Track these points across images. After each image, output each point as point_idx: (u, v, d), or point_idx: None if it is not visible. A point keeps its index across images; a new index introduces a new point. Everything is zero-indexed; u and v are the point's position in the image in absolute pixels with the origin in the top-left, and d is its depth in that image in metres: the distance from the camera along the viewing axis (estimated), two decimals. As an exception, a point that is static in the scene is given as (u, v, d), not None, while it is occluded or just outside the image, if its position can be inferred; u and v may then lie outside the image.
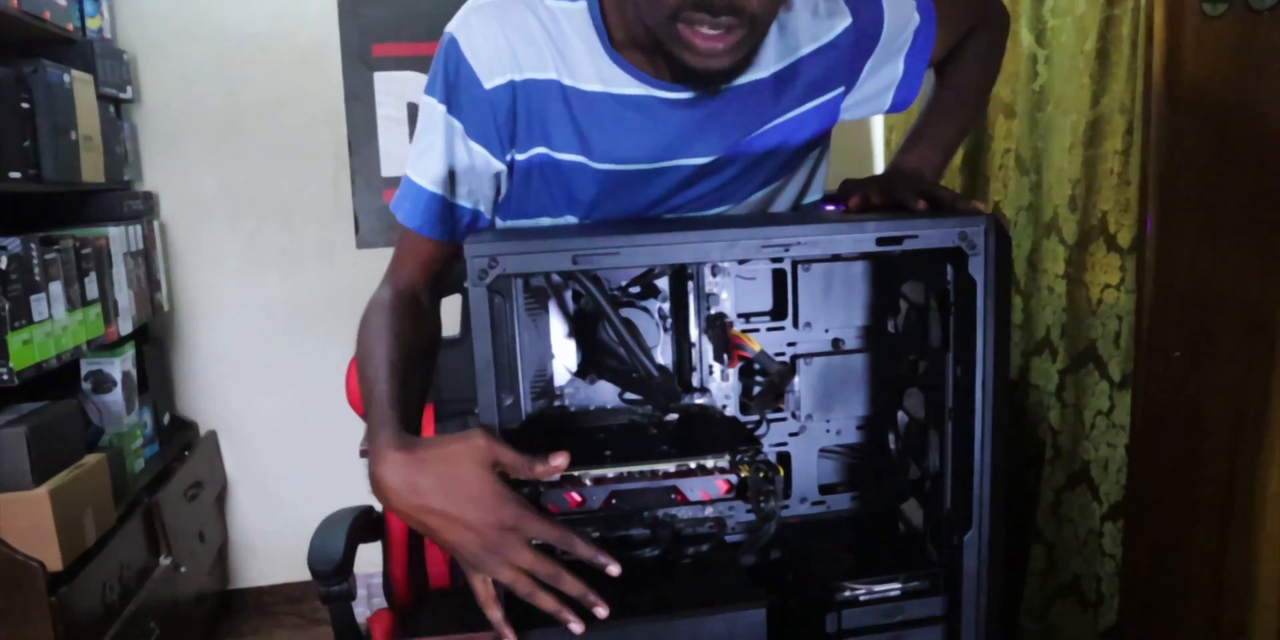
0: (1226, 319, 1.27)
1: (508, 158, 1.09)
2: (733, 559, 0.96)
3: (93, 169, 2.23)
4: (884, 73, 1.16)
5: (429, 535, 0.87)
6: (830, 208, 1.14)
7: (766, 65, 1.07)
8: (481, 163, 1.08)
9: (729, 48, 0.94)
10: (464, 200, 1.10)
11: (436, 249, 1.12)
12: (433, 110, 1.07)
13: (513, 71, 1.04)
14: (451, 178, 1.09)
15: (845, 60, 1.12)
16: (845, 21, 1.09)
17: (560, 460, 0.83)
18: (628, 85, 1.05)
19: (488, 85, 1.04)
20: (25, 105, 1.93)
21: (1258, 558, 1.20)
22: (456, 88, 1.05)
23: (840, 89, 1.14)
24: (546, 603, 0.83)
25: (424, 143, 1.09)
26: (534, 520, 0.84)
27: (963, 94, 1.23)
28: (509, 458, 0.83)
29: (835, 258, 1.01)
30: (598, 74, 1.05)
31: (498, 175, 1.10)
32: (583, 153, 1.08)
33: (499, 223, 1.16)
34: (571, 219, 1.13)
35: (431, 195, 1.09)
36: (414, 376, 1.03)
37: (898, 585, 0.92)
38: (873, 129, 2.92)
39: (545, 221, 1.14)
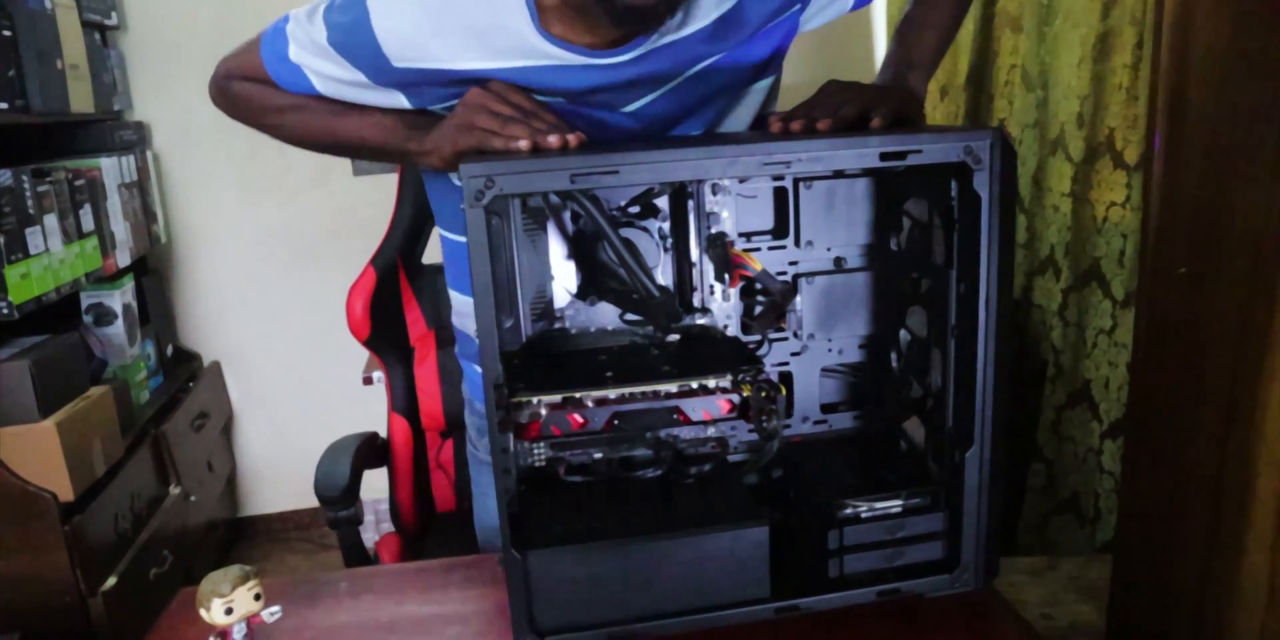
0: (1233, 236, 1.26)
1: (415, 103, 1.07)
2: (735, 478, 0.97)
3: (81, 99, 2.20)
4: None
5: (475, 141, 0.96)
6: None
7: (707, 13, 1.01)
8: (388, 99, 1.06)
9: None
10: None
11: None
12: (333, 58, 1.03)
13: (428, 61, 1.00)
14: (325, 88, 1.07)
15: None
16: None
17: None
18: (561, 59, 1.00)
19: (396, 64, 1.00)
20: (7, 32, 1.88)
21: (1256, 475, 1.21)
22: (362, 61, 1.01)
23: (795, 8, 1.09)
24: (541, 139, 0.90)
25: (322, 61, 1.04)
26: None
27: None
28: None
29: (838, 174, 0.99)
30: (529, 52, 1.00)
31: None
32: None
33: None
34: None
35: (310, 86, 1.07)
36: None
37: (899, 502, 0.92)
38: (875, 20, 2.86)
39: None
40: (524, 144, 0.90)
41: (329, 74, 1.05)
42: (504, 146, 0.91)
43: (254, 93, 1.11)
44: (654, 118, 1.09)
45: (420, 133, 1.04)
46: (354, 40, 1.00)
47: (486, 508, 1.31)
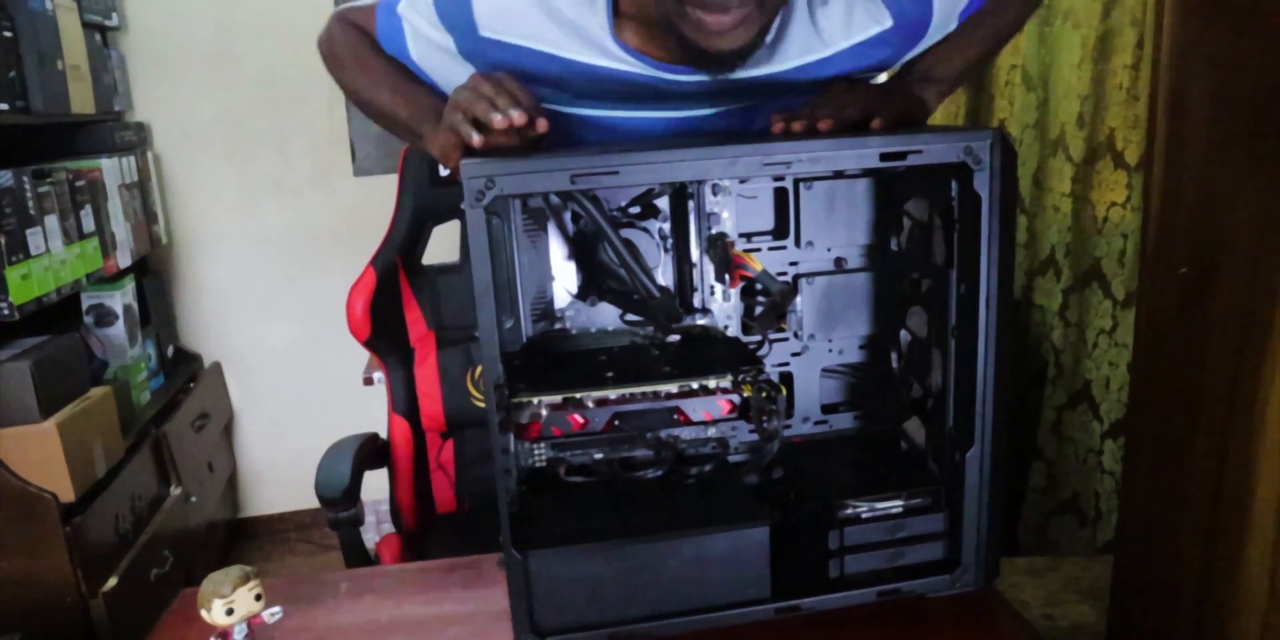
0: (1233, 236, 1.25)
1: None
2: (736, 478, 0.97)
3: (82, 100, 2.20)
4: (932, 40, 1.14)
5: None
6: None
7: (788, 58, 1.03)
8: (463, 75, 1.07)
9: (738, 22, 0.91)
10: (425, 71, 1.13)
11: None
12: (431, 19, 1.07)
13: (512, 35, 1.03)
14: (417, 53, 1.12)
15: (884, 54, 1.08)
16: (884, 25, 1.05)
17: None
18: (631, 66, 1.03)
19: (483, 34, 1.04)
20: (8, 34, 1.88)
21: (1257, 475, 1.21)
22: (455, 25, 1.06)
23: (878, 72, 1.12)
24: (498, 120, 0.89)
25: (422, 20, 1.09)
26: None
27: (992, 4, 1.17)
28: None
29: (838, 175, 0.99)
30: (602, 54, 1.03)
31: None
32: (574, 105, 1.09)
33: None
34: None
35: (404, 43, 1.12)
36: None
37: (899, 502, 0.92)
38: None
39: None
40: (496, 119, 0.89)
41: (424, 33, 1.09)
42: (464, 132, 0.91)
43: (349, 39, 1.16)
44: (721, 129, 1.11)
45: (427, 127, 1.05)
46: (453, 3, 1.04)
47: None
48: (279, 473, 2.90)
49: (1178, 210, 1.35)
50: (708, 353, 0.99)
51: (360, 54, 1.14)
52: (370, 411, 1.94)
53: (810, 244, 1.01)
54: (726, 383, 0.93)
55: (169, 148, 2.67)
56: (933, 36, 1.12)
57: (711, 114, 1.11)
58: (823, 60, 1.04)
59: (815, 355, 1.05)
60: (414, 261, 1.64)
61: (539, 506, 0.91)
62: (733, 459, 0.99)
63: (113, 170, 2.28)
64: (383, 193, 2.04)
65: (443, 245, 1.71)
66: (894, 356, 1.03)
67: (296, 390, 2.84)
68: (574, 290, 1.01)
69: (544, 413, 0.92)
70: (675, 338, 1.02)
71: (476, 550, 1.09)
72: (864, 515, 0.92)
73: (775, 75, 1.04)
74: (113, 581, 1.87)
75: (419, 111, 1.09)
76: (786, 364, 1.04)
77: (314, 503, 1.46)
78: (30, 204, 1.84)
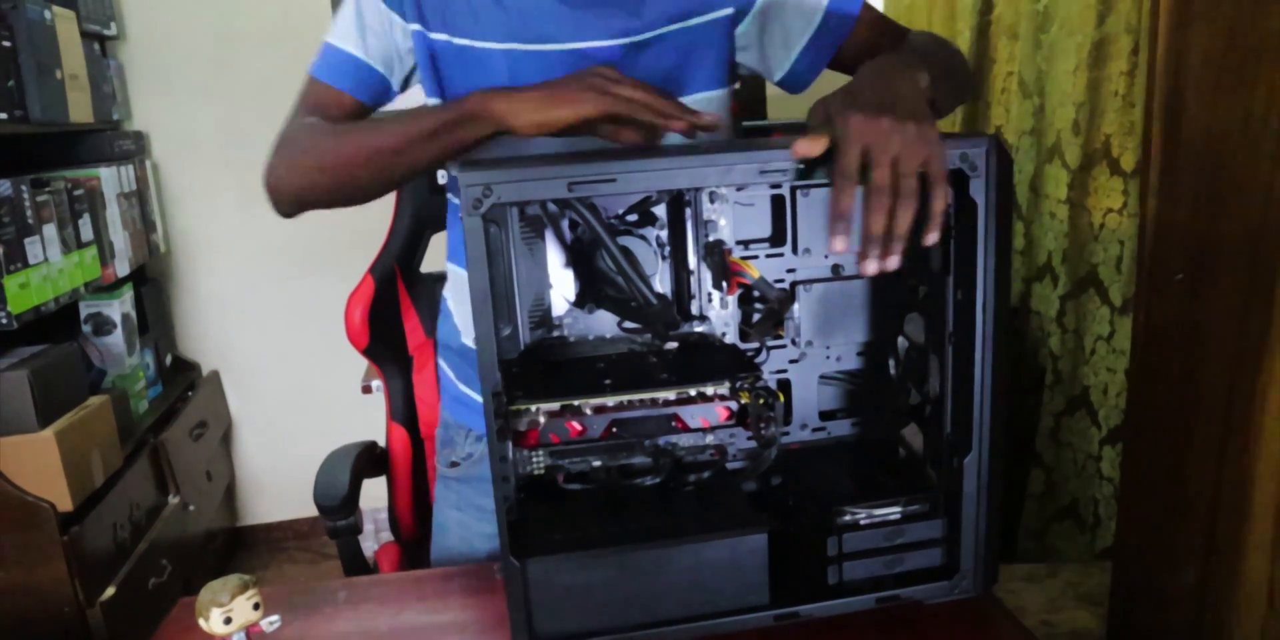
0: (1229, 242, 1.26)
1: (414, 27, 1.13)
2: (734, 485, 0.97)
3: (80, 109, 2.20)
4: (778, 31, 1.15)
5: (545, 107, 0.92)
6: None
7: None
8: (388, 26, 1.13)
9: None
10: (376, 63, 1.16)
11: (349, 105, 1.18)
12: (358, 10, 1.14)
13: None
14: (363, 38, 1.15)
15: None
16: None
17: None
18: None
19: None
20: (6, 43, 1.89)
21: (1254, 480, 1.21)
22: None
23: (728, 10, 1.13)
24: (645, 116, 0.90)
25: (343, 10, 1.16)
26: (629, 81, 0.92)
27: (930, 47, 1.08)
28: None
29: (835, 182, 0.99)
30: None
31: (407, 43, 1.15)
32: (481, 36, 1.11)
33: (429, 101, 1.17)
34: None
35: (341, 51, 1.16)
36: None
37: (898, 509, 0.92)
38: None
39: None
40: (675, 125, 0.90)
41: (356, 33, 1.14)
42: (650, 119, 0.91)
43: (305, 131, 1.14)
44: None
45: (470, 101, 0.95)
46: None
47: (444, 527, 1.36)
48: (277, 481, 2.90)
49: (1174, 216, 1.35)
50: (705, 360, 0.99)
51: (323, 129, 1.12)
52: (368, 420, 1.94)
53: (808, 251, 1.01)
54: (724, 390, 0.93)
55: (167, 156, 2.67)
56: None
57: (613, 46, 1.12)
58: None
59: (813, 362, 1.05)
60: (412, 269, 1.64)
61: (537, 514, 0.91)
62: (731, 466, 0.99)
63: (111, 179, 2.28)
64: (381, 200, 2.04)
65: (441, 253, 1.71)
66: (892, 363, 1.03)
67: (295, 398, 2.84)
68: (572, 298, 1.01)
69: (542, 420, 0.92)
70: (673, 345, 1.02)
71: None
72: (862, 522, 0.92)
73: None
74: (110, 591, 1.87)
75: (440, 111, 0.99)
76: (784, 371, 1.04)
77: (312, 511, 1.46)
78: (28, 213, 1.84)
